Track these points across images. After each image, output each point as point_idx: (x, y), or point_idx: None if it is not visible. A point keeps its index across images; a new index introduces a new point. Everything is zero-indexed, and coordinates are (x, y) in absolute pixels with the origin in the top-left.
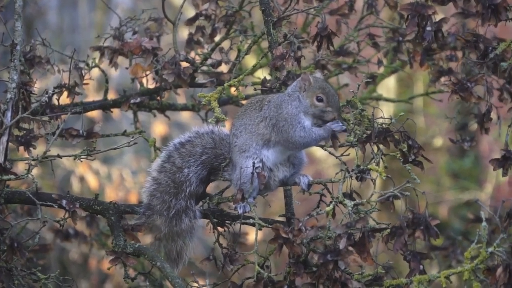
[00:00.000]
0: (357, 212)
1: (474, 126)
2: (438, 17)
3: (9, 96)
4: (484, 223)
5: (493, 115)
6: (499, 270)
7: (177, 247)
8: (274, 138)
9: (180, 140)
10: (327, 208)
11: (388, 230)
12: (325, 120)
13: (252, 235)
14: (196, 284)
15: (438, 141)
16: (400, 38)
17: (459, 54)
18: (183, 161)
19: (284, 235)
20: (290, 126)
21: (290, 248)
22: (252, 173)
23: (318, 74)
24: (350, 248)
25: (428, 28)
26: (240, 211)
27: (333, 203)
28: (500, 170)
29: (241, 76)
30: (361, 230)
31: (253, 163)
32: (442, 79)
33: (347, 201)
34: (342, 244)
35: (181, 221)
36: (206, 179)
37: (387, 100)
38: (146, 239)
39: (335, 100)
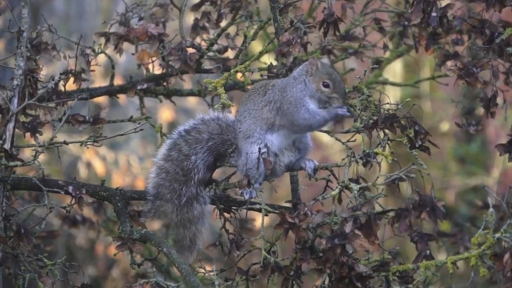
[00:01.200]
0: (363, 197)
1: (480, 110)
2: (443, 3)
3: (15, 82)
4: (491, 209)
5: (499, 99)
6: (507, 256)
7: (190, 234)
8: (278, 121)
9: (185, 127)
10: (333, 192)
11: (394, 213)
12: (330, 106)
13: (258, 221)
14: (202, 270)
15: (445, 126)
16: (406, 23)
17: (465, 37)
18: (190, 148)
19: (290, 220)
20: (294, 109)
21: (296, 233)
22: (258, 158)
23: (325, 59)
24: (357, 232)
25: (434, 14)
26: (247, 197)
27: (339, 187)
28: (507, 155)
29: (247, 62)
30: (367, 213)
31: (259, 148)
32: (448, 63)
33: (353, 185)
34: (348, 227)
35: (192, 207)
36: (213, 165)
37: (393, 84)
38: (152, 225)
39: (341, 87)
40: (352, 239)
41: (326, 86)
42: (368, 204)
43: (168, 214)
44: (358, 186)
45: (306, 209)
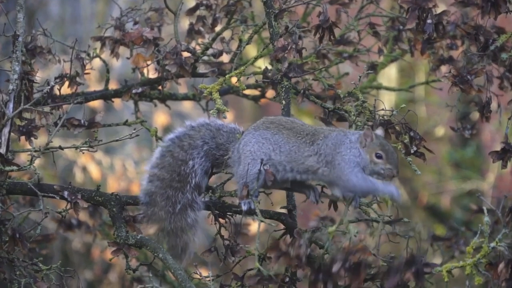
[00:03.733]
0: (358, 207)
1: (475, 115)
2: (439, 9)
3: (11, 87)
4: (486, 218)
5: (494, 103)
6: (501, 265)
7: (181, 243)
8: (322, 172)
9: (176, 134)
10: (330, 229)
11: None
12: (383, 177)
13: (253, 226)
14: (198, 276)
15: (440, 131)
16: (401, 27)
17: (459, 42)
18: (186, 153)
19: (283, 249)
20: (346, 166)
21: (288, 261)
22: (259, 170)
23: (379, 131)
24: (343, 273)
25: (429, 21)
26: (245, 208)
27: (337, 225)
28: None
29: (242, 68)
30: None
31: (261, 160)
32: (443, 68)
33: (350, 228)
34: (336, 267)
35: (186, 215)
36: (210, 171)
37: (387, 89)
38: (148, 231)
39: (394, 158)
40: (336, 279)
41: (379, 157)
42: (363, 250)
43: (161, 222)
44: (356, 231)
45: (301, 241)
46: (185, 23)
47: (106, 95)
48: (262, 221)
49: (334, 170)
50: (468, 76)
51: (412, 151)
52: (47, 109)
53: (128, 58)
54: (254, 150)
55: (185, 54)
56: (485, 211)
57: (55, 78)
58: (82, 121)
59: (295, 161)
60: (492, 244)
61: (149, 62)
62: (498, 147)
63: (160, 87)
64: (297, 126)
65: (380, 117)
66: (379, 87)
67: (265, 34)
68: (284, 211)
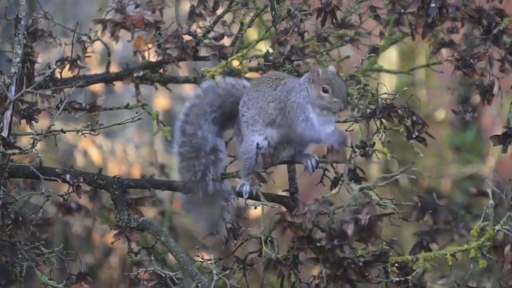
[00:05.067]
0: (361, 189)
1: (476, 98)
2: None
3: (13, 70)
4: (491, 201)
5: (495, 87)
6: (507, 248)
7: (219, 209)
8: (279, 120)
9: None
10: (332, 192)
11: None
12: (333, 111)
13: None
14: (200, 259)
15: (440, 114)
16: (402, 10)
17: (459, 24)
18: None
19: (289, 219)
20: (294, 114)
21: (294, 232)
22: (257, 153)
23: (331, 67)
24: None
25: (433, 5)
26: (246, 196)
27: (339, 185)
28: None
29: (245, 51)
30: (368, 215)
31: (257, 144)
32: (444, 52)
33: (353, 185)
34: (350, 230)
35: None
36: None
37: (388, 71)
38: (149, 213)
39: (341, 91)
40: (352, 240)
41: (325, 91)
42: (369, 205)
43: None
44: (359, 187)
45: (306, 209)
46: (186, 6)
47: (107, 79)
48: (265, 205)
49: (286, 119)
50: (471, 60)
51: (414, 136)
52: (48, 92)
53: (129, 41)
54: (247, 117)
55: (186, 37)
56: (490, 194)
57: (56, 62)
58: (83, 105)
59: (264, 110)
60: (497, 227)
61: (150, 45)
62: (498, 131)
63: (161, 71)
64: (272, 74)
65: (383, 101)
66: (379, 70)
67: (266, 17)
68: (286, 194)
